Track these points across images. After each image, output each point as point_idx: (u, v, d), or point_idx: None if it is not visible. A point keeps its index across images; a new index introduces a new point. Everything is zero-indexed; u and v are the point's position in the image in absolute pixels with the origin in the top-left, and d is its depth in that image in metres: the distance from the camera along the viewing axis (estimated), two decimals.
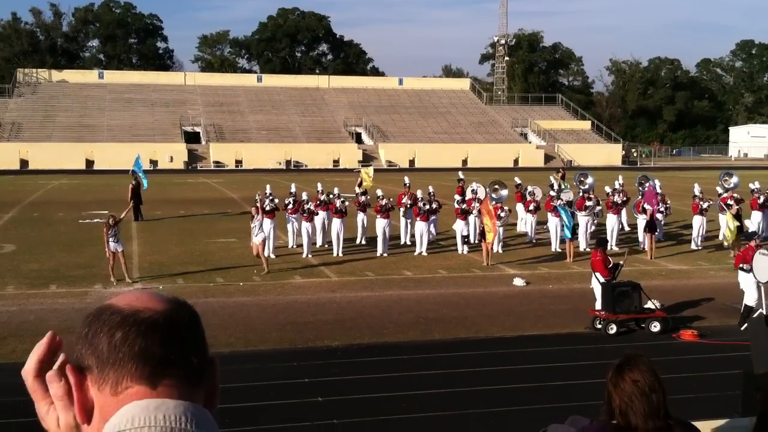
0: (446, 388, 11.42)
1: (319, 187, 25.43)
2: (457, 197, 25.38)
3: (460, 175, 30.81)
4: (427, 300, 17.68)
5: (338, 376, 12.13)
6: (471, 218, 24.41)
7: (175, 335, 1.33)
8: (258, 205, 21.41)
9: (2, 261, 22.11)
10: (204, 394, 1.37)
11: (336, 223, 23.47)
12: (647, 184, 26.70)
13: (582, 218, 24.53)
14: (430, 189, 25.80)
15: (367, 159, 78.51)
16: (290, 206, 23.73)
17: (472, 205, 23.90)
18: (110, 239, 18.84)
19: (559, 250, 23.78)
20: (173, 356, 1.32)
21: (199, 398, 1.35)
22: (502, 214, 23.71)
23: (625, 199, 26.15)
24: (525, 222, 26.96)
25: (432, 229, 25.27)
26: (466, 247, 23.94)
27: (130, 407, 1.29)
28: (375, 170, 40.13)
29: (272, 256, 22.71)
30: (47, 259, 22.51)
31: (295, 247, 24.04)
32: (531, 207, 25.81)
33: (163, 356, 1.32)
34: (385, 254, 23.37)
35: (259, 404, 10.72)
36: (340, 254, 23.21)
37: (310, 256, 22.91)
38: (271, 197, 23.53)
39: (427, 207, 23.85)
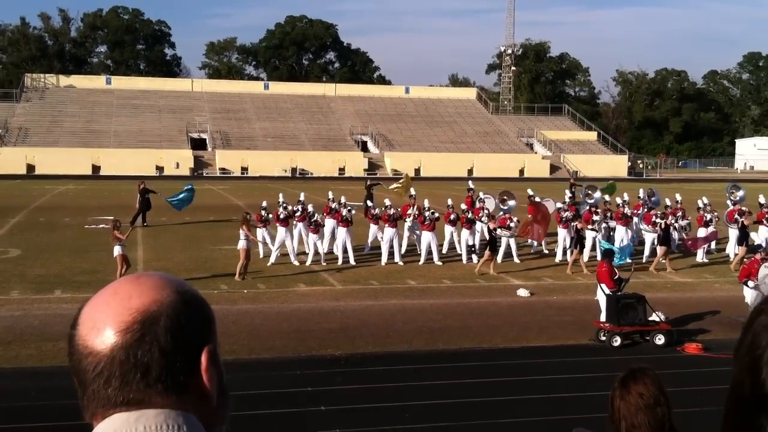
0: (450, 398, 11.39)
1: (330, 195, 25.49)
2: (463, 206, 25.32)
3: (470, 184, 30.65)
4: (432, 310, 17.65)
5: (342, 385, 12.10)
6: (476, 227, 24.37)
7: (123, 374, 1.30)
8: (247, 217, 21.28)
9: (7, 265, 22.15)
10: (193, 397, 1.35)
11: (342, 231, 23.46)
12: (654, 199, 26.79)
13: (589, 232, 24.43)
14: (449, 202, 25.65)
15: (373, 168, 78.59)
16: (298, 214, 23.71)
17: (480, 214, 23.82)
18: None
19: (568, 261, 23.68)
20: (125, 394, 1.31)
21: (182, 403, 1.33)
22: (512, 225, 23.77)
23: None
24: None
25: (455, 238, 25.23)
26: (474, 257, 23.90)
27: (110, 421, 1.30)
28: (381, 179, 40.22)
29: (272, 261, 22.81)
30: (52, 264, 22.54)
31: (300, 254, 24.00)
32: (538, 218, 25.77)
33: (111, 397, 1.31)
34: (400, 263, 23.34)
35: (261, 413, 10.70)
36: (352, 262, 23.20)
37: (316, 263, 22.89)
38: (284, 205, 23.62)
39: (436, 215, 23.85)
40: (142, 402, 1.31)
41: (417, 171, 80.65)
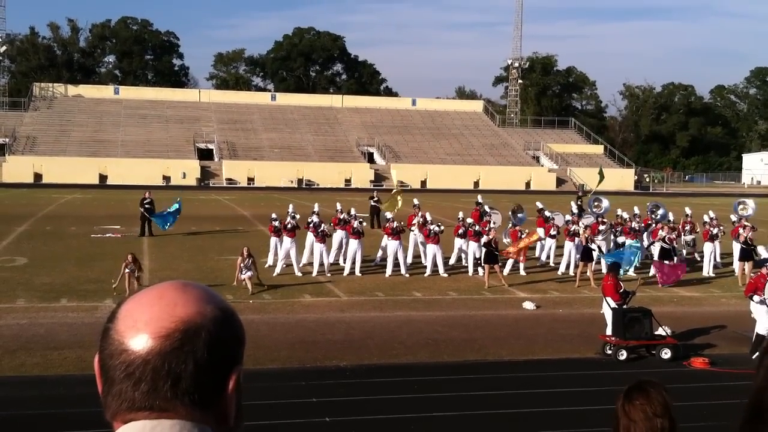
0: (454, 410, 11.36)
1: (338, 206, 25.53)
2: (470, 220, 25.23)
3: (479, 198, 30.37)
4: (437, 322, 17.62)
5: (346, 396, 12.08)
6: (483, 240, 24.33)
7: (153, 379, 1.30)
8: (244, 253, 20.42)
9: (14, 274, 22.19)
10: (215, 415, 1.35)
11: (353, 243, 23.43)
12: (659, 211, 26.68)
13: (598, 242, 24.39)
14: (460, 215, 25.51)
15: (379, 179, 78.62)
16: (311, 225, 23.63)
17: (487, 228, 23.73)
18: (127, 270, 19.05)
19: (573, 274, 23.63)
20: (151, 400, 1.30)
21: (204, 418, 1.33)
22: (522, 236, 23.81)
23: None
24: (544, 246, 26.65)
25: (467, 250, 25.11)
26: (480, 269, 23.82)
27: (127, 428, 1.31)
28: (385, 191, 40.14)
29: (277, 272, 22.78)
30: (59, 272, 22.57)
31: (306, 265, 23.98)
32: (552, 232, 25.71)
33: (137, 400, 1.30)
34: (406, 275, 23.31)
35: (267, 423, 10.67)
36: (358, 273, 23.18)
37: (321, 274, 22.88)
38: (293, 215, 23.62)
39: (441, 229, 23.82)
40: (165, 410, 1.30)
41: (423, 183, 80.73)
